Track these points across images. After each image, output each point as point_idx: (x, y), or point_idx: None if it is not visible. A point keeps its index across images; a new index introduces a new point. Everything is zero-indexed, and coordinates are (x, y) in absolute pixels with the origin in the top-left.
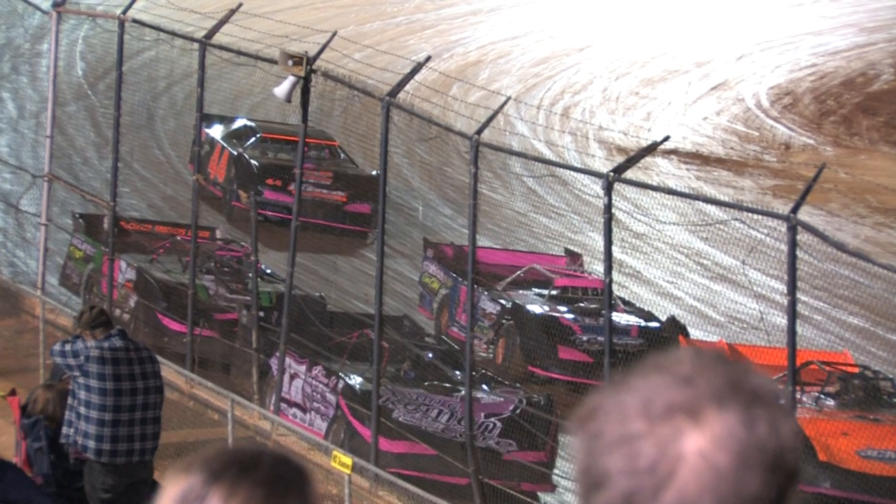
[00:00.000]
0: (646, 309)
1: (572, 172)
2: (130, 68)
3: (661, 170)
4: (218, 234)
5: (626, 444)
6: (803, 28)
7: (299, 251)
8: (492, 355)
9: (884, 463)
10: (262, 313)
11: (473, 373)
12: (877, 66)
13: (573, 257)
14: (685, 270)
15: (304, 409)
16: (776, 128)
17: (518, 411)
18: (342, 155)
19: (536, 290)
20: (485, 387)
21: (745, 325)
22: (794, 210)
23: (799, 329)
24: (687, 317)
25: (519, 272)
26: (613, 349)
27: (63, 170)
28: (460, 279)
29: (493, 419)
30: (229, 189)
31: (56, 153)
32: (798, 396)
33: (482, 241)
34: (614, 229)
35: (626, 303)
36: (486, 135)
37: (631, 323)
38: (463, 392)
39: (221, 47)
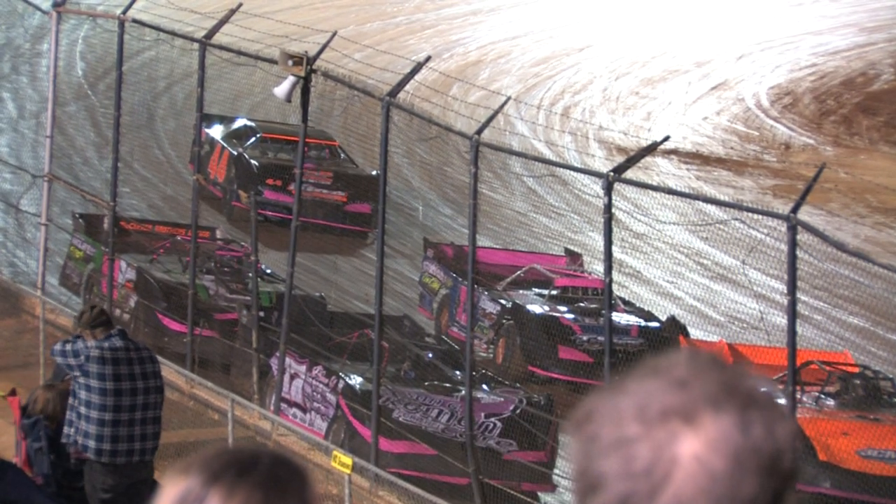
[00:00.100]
0: (646, 309)
1: (572, 172)
2: (130, 68)
3: (661, 170)
4: (218, 234)
5: (621, 448)
6: (803, 28)
7: (299, 251)
8: (492, 355)
9: (884, 463)
10: (262, 313)
11: (473, 373)
12: (877, 66)
13: (573, 257)
14: (685, 270)
15: (304, 409)
16: (776, 128)
17: (518, 411)
18: (342, 155)
19: (536, 290)
20: (485, 387)
21: (745, 325)
22: (794, 210)
23: (799, 329)
24: (687, 317)
25: (519, 272)
26: (613, 349)
27: (63, 170)
28: (460, 279)
29: (493, 419)
30: (229, 189)
31: (56, 153)
32: (798, 396)
33: (482, 241)
34: (614, 229)
35: (626, 303)
36: (486, 135)
37: (631, 323)
38: (463, 392)
39: (221, 47)
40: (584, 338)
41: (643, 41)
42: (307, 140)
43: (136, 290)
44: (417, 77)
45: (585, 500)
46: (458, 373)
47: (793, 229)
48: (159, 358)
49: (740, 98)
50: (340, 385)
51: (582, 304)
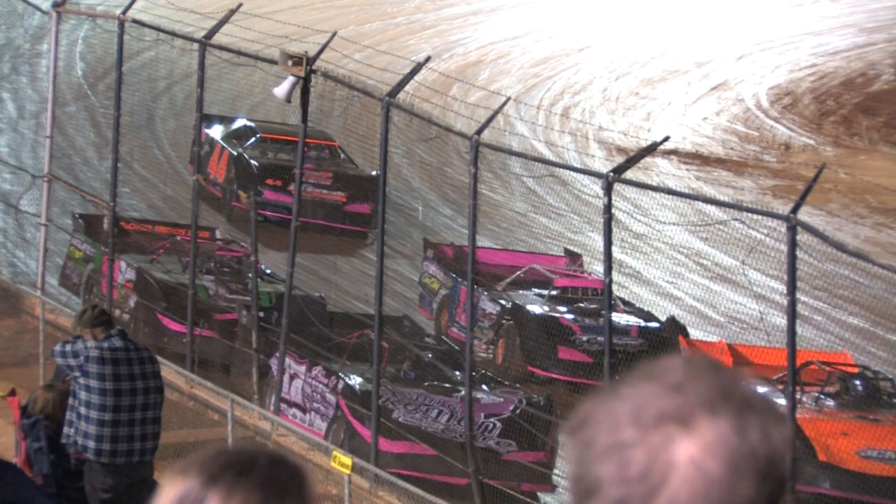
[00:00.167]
0: (646, 309)
1: (572, 172)
2: (130, 68)
3: (661, 170)
4: (218, 235)
5: (617, 453)
6: (803, 28)
7: (299, 251)
8: (492, 355)
9: (884, 463)
10: (261, 313)
11: (473, 373)
12: (877, 67)
13: (573, 257)
14: (685, 270)
15: (303, 410)
16: (776, 128)
17: (518, 411)
18: (342, 155)
19: (536, 291)
20: (485, 387)
21: (745, 325)
22: (794, 210)
23: (799, 329)
24: (687, 317)
25: (519, 272)
26: (613, 349)
27: (63, 170)
28: (460, 279)
29: (492, 419)
30: (229, 189)
31: (56, 153)
32: (798, 397)
33: (482, 242)
34: (614, 229)
35: (625, 303)
36: (486, 135)
37: (631, 323)
38: (463, 392)
39: (221, 47)
40: (584, 338)
41: (643, 41)
42: (307, 140)
43: (136, 290)
44: (417, 77)
45: None
46: (457, 373)
47: (792, 230)
48: (159, 358)
49: (740, 98)
50: (340, 385)
51: (582, 305)
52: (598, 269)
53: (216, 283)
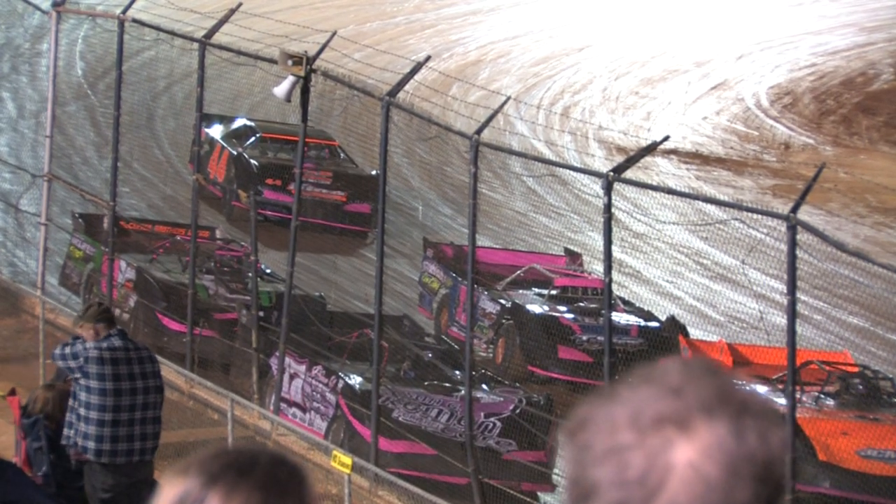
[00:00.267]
0: (646, 309)
1: (572, 172)
2: (130, 68)
3: (661, 169)
4: (218, 234)
5: (615, 456)
6: (803, 28)
7: (299, 251)
8: (492, 355)
9: (884, 463)
10: (261, 313)
11: (473, 373)
12: (877, 66)
13: (573, 257)
14: (685, 270)
15: (303, 409)
16: (776, 127)
17: (518, 411)
18: (342, 155)
19: (536, 290)
20: (485, 386)
21: (745, 325)
22: (794, 210)
23: (799, 329)
24: (687, 316)
25: (519, 272)
26: (613, 349)
27: (63, 169)
28: (460, 279)
29: (492, 419)
30: (229, 189)
31: (56, 153)
32: (798, 396)
33: (482, 241)
34: (614, 229)
35: (625, 302)
36: (486, 134)
37: (631, 323)
38: (463, 392)
39: (221, 47)
40: (584, 337)
41: (643, 41)
42: (307, 140)
43: (136, 289)
44: (417, 77)
45: None
46: (457, 373)
47: (792, 229)
48: (159, 358)
49: (740, 98)
50: (340, 385)
51: (582, 304)
52: (598, 268)
53: (216, 282)
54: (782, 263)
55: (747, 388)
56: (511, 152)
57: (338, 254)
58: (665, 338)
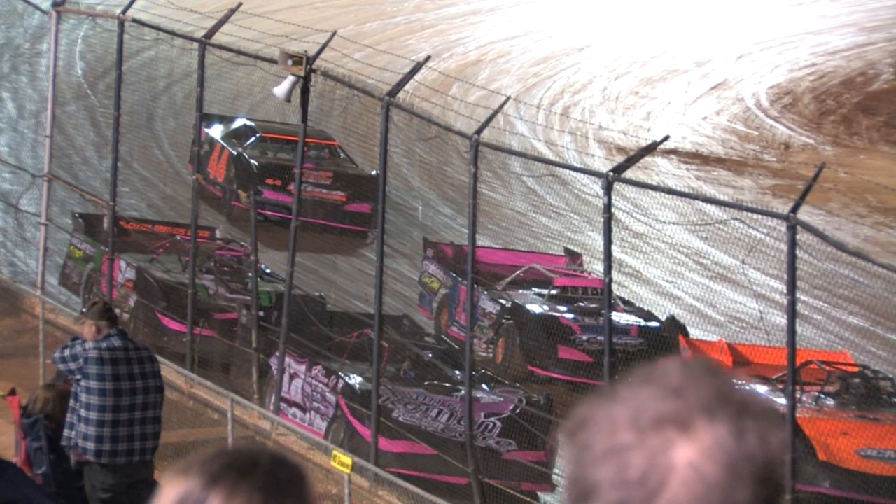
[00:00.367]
0: (645, 309)
1: (572, 172)
2: (130, 68)
3: (661, 169)
4: (218, 234)
5: (615, 456)
6: (803, 28)
7: (299, 251)
8: (492, 355)
9: (884, 463)
10: (261, 313)
11: (473, 372)
12: (876, 66)
13: (573, 257)
14: (685, 270)
15: (303, 409)
16: (776, 127)
17: (518, 411)
18: (342, 155)
19: (536, 290)
20: (485, 386)
21: (745, 325)
22: (794, 210)
23: (799, 329)
24: (687, 316)
25: (519, 272)
26: (613, 349)
27: (63, 169)
28: (460, 279)
29: (492, 419)
30: (229, 189)
31: (56, 153)
32: (798, 396)
33: (482, 241)
34: (614, 229)
35: (625, 302)
36: (486, 134)
37: (631, 322)
38: (463, 392)
39: (221, 47)
40: (584, 337)
41: (643, 41)
42: (307, 140)
43: (136, 289)
44: (417, 77)
45: None
46: (457, 372)
47: (792, 229)
48: (159, 357)
49: (740, 98)
50: (340, 385)
51: (581, 304)
52: (598, 268)
53: (216, 282)
54: (782, 263)
55: (747, 388)
56: (511, 152)
57: (338, 254)
58: (665, 338)
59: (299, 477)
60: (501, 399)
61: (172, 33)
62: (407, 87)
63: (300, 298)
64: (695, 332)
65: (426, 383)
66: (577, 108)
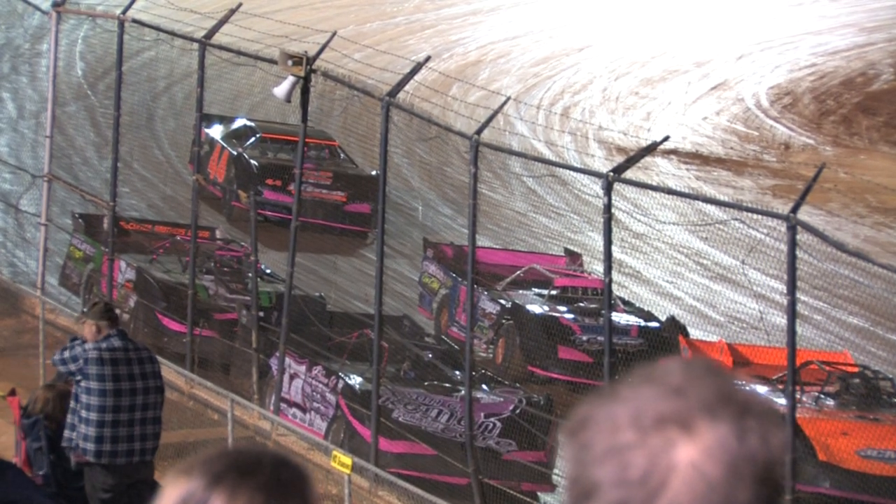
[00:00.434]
0: (645, 309)
1: (572, 172)
2: (130, 68)
3: (661, 170)
4: (218, 234)
5: (616, 455)
6: (803, 28)
7: (299, 251)
8: (492, 355)
9: (884, 463)
10: (261, 313)
11: (473, 373)
12: (876, 66)
13: (573, 257)
14: (685, 270)
15: (303, 409)
16: (776, 128)
17: (518, 411)
18: (342, 155)
19: (536, 290)
20: (485, 387)
21: (745, 325)
22: (794, 210)
23: (799, 329)
24: (687, 317)
25: (519, 272)
26: (613, 349)
27: (63, 170)
28: (460, 279)
29: (492, 419)
30: (229, 189)
31: (56, 153)
32: (798, 396)
33: (482, 241)
34: (614, 229)
35: (625, 303)
36: (486, 135)
37: (631, 323)
38: (463, 392)
39: (221, 47)
40: (584, 338)
41: (643, 41)
42: (307, 140)
43: (136, 290)
44: (417, 77)
45: None
46: (457, 373)
47: (792, 229)
48: (159, 358)
49: (740, 98)
50: (340, 385)
51: (581, 304)
52: (598, 268)
53: (216, 282)
54: (782, 263)
55: (748, 388)
56: (511, 152)
57: (338, 254)
58: (665, 338)
59: (302, 478)
60: (501, 399)
61: (172, 34)
62: (407, 87)
63: (300, 299)
64: (695, 333)
65: (426, 384)
66: (577, 109)
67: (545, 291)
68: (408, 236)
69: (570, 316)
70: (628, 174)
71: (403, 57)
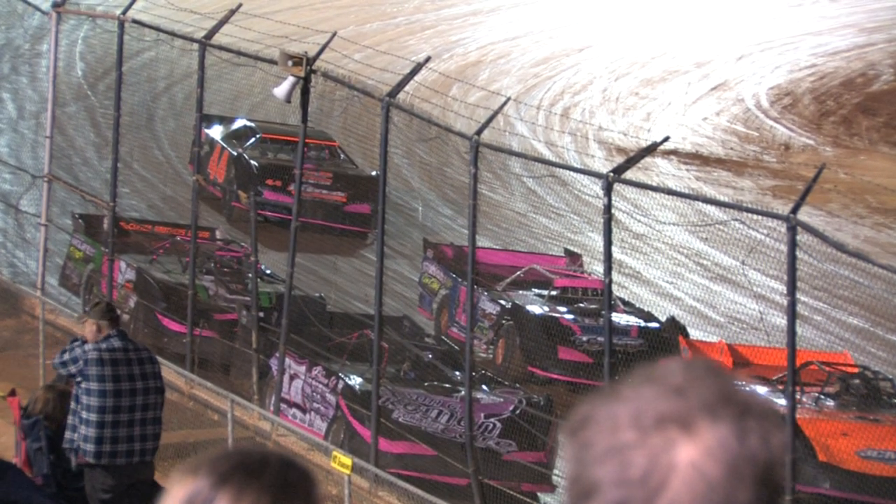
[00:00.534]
0: (645, 309)
1: (572, 173)
2: (130, 69)
3: (661, 170)
4: (218, 235)
5: (617, 455)
6: (803, 28)
7: (299, 251)
8: (492, 356)
9: (884, 463)
10: (261, 314)
11: (473, 373)
12: (876, 67)
13: (573, 258)
14: (685, 271)
15: (303, 410)
16: (776, 128)
17: (518, 412)
18: (342, 155)
19: (536, 291)
20: (485, 387)
21: (745, 326)
22: (794, 210)
23: (799, 329)
24: (687, 317)
25: (519, 272)
26: (613, 349)
27: (63, 170)
28: (460, 279)
29: (492, 419)
30: (229, 189)
31: (56, 153)
32: (798, 397)
33: (482, 242)
34: (614, 230)
35: (625, 303)
36: (486, 135)
37: (631, 323)
38: (463, 392)
39: (221, 48)
40: (584, 338)
41: (643, 41)
42: (307, 140)
43: (136, 290)
44: (417, 77)
45: None
46: (457, 373)
47: (792, 230)
48: (159, 358)
49: (740, 98)
50: (340, 385)
51: (581, 305)
52: (598, 269)
53: (216, 283)
54: (782, 264)
55: (748, 389)
56: (511, 153)
57: (338, 254)
58: (665, 338)
59: (308, 479)
60: (501, 400)
61: (172, 34)
62: (407, 87)
63: (300, 299)
64: (695, 333)
65: (426, 384)
66: (578, 109)
67: (545, 292)
68: (408, 237)
69: (570, 316)
70: (628, 175)
71: (403, 57)
